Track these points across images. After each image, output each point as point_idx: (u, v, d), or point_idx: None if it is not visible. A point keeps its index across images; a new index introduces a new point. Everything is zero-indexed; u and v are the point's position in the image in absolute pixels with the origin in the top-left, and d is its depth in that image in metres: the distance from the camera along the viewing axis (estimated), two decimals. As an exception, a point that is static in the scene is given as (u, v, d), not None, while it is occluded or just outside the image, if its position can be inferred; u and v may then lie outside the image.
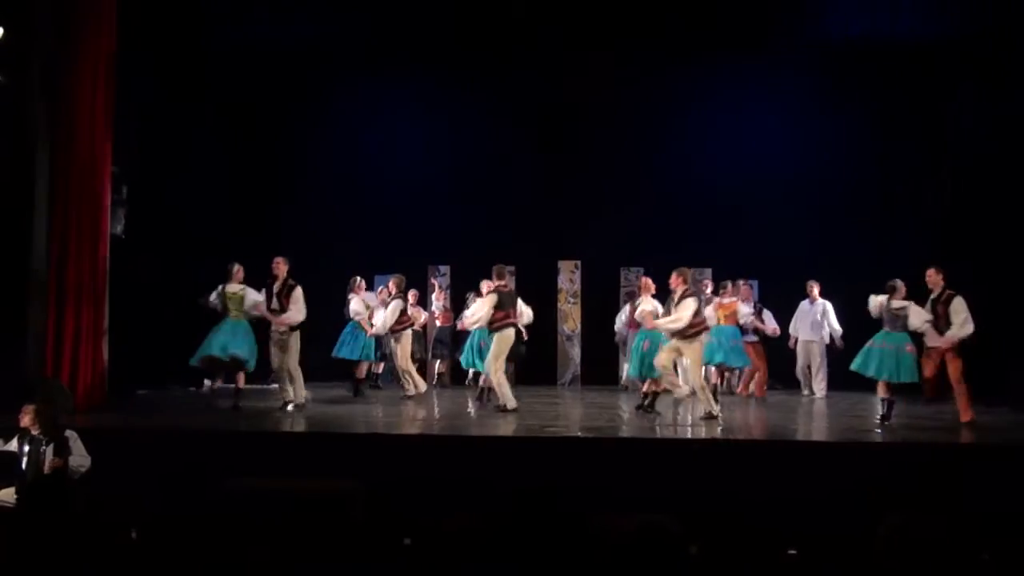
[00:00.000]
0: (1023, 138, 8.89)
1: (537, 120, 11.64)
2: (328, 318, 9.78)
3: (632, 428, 7.53)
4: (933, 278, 7.70)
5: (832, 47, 10.00)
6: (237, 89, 11.17)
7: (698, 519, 3.56)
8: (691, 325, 7.77)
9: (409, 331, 9.69)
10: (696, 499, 5.36)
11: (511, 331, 8.32)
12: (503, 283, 8.45)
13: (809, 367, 10.19)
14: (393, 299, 9.54)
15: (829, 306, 10.00)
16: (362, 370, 9.97)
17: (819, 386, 10.05)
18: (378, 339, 9.97)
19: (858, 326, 8.34)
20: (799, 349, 10.17)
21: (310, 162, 11.98)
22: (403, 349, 9.58)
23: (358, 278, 10.03)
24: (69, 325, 7.97)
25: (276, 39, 9.95)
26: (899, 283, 7.77)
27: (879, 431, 7.43)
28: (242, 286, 8.27)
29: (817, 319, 10.01)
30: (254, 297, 8.24)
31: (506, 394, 8.25)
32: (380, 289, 10.39)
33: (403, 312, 9.49)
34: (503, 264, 8.63)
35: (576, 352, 11.83)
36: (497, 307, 8.24)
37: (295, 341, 8.31)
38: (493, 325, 8.27)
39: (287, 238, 10.67)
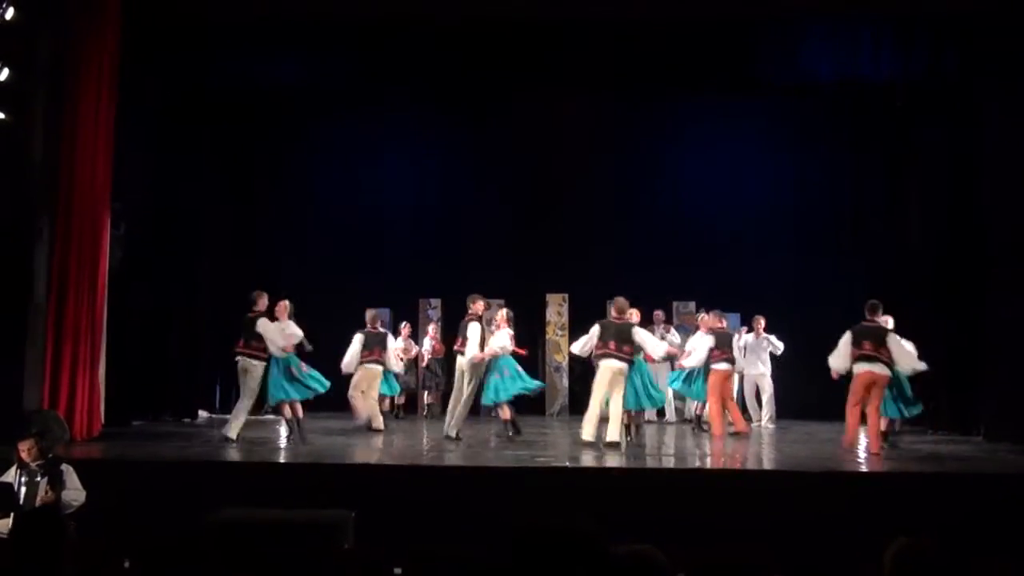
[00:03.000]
0: (987, 174, 9.16)
1: (525, 156, 11.89)
2: (320, 350, 9.88)
3: (619, 458, 7.66)
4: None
5: (807, 87, 10.30)
6: (233, 126, 11.42)
7: (684, 548, 3.68)
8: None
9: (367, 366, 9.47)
10: (682, 528, 5.47)
11: None
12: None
13: (758, 398, 10.35)
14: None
15: (773, 339, 10.19)
16: (384, 403, 10.15)
17: (767, 417, 10.22)
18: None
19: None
20: (747, 382, 10.33)
21: (304, 198, 12.23)
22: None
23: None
24: (67, 357, 8.09)
25: (271, 77, 10.18)
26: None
27: (860, 460, 7.58)
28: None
29: (763, 352, 10.21)
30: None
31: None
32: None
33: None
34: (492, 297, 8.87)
35: (565, 383, 11.98)
36: None
37: None
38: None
39: (281, 273, 10.85)
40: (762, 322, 10.24)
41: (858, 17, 9.25)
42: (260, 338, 8.11)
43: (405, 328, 11.10)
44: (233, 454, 7.69)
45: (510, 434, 8.70)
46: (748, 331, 10.39)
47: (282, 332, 8.33)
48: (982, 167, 9.22)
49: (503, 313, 9.16)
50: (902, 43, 9.25)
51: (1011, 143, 8.68)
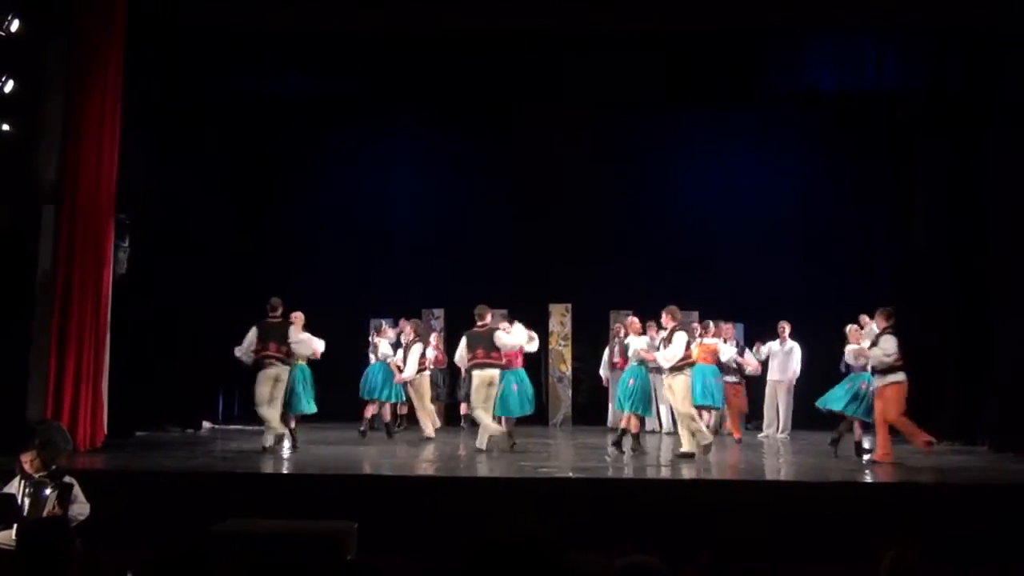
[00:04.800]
0: (990, 185, 9.17)
1: (528, 167, 11.93)
2: (326, 360, 9.89)
3: (623, 468, 7.65)
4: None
5: (810, 97, 10.34)
6: (238, 138, 11.47)
7: (686, 559, 3.67)
8: (683, 357, 8.02)
9: (426, 374, 9.83)
10: (685, 539, 5.47)
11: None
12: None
13: (777, 406, 10.31)
14: (414, 343, 9.66)
15: (797, 347, 10.14)
16: (387, 412, 10.11)
17: (783, 426, 10.19)
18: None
19: (836, 366, 8.59)
20: (767, 389, 10.32)
21: (308, 208, 12.29)
22: (420, 391, 9.69)
23: (383, 322, 10.23)
24: (70, 368, 8.10)
25: (277, 89, 10.23)
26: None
27: (866, 470, 7.57)
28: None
29: (786, 360, 10.15)
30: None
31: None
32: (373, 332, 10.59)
33: (421, 355, 9.65)
34: (484, 305, 8.86)
35: (567, 393, 11.98)
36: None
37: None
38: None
39: (286, 284, 10.86)
40: (787, 328, 10.19)
41: (861, 29, 9.29)
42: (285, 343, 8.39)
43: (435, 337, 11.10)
44: (236, 465, 7.68)
45: (511, 445, 8.75)
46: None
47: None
48: (985, 178, 9.25)
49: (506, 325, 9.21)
50: (905, 54, 9.30)
51: (1014, 153, 8.69)
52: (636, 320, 9.42)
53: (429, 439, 9.42)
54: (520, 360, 9.15)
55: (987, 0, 8.77)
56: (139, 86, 9.01)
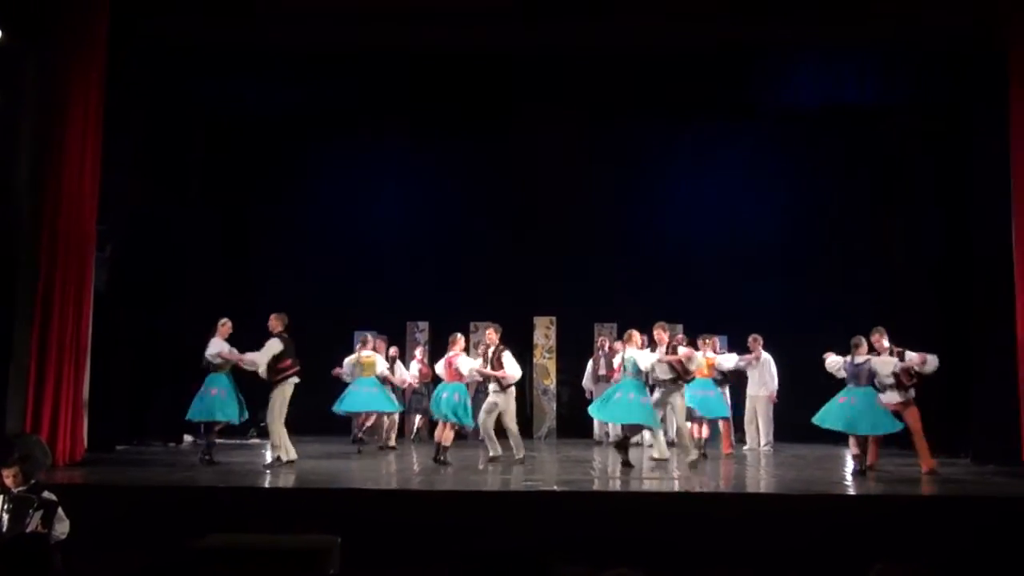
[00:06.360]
0: (974, 199, 9.28)
1: (514, 180, 11.98)
2: (308, 371, 9.83)
3: (608, 481, 7.64)
4: (879, 341, 8.15)
5: (794, 113, 10.45)
6: (222, 149, 11.45)
7: (670, 572, 3.67)
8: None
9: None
10: (669, 552, 5.47)
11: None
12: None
13: (757, 420, 10.33)
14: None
15: (770, 360, 10.16)
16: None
17: (765, 439, 10.22)
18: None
19: (817, 380, 8.61)
20: (747, 404, 10.34)
21: (292, 221, 12.25)
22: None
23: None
24: (50, 380, 8.01)
25: (261, 101, 10.23)
26: (861, 339, 8.10)
27: (848, 482, 7.60)
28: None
29: (761, 373, 10.17)
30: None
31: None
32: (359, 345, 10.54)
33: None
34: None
35: (552, 406, 11.97)
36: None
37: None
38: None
39: (269, 296, 10.81)
40: (760, 341, 10.19)
41: (844, 44, 9.40)
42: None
43: (393, 351, 11.06)
44: (217, 479, 7.61)
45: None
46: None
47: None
48: (969, 192, 9.34)
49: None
50: (888, 69, 9.41)
51: (997, 167, 8.78)
52: (636, 333, 9.12)
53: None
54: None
55: (970, 13, 8.87)
56: (123, 98, 8.98)
